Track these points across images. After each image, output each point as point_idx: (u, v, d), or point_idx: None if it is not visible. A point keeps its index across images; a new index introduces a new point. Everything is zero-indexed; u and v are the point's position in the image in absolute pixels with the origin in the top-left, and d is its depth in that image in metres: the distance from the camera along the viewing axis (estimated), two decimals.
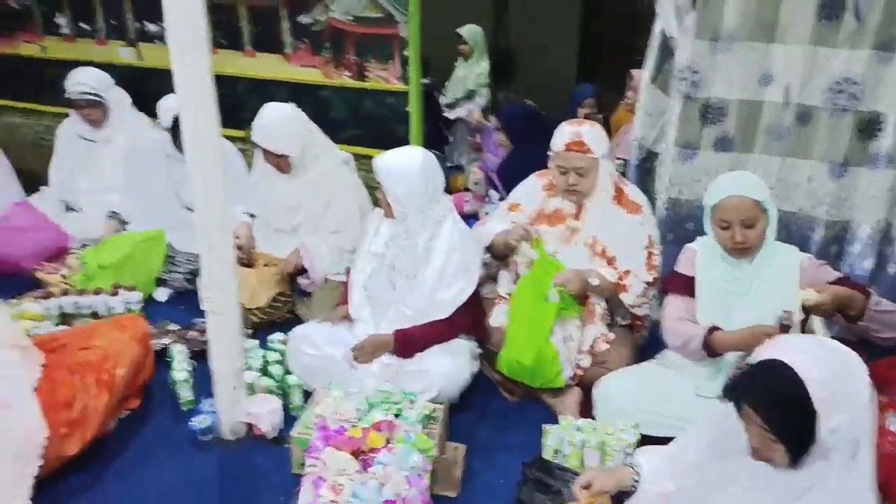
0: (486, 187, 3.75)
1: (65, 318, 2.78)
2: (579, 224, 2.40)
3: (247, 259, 2.89)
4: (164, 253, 3.10)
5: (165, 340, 2.63)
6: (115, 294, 2.81)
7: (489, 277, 2.57)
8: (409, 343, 2.30)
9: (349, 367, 2.32)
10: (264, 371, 2.41)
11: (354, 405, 2.05)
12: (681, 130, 2.63)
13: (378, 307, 2.39)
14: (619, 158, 3.28)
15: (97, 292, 2.81)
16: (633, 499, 1.68)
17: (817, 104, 2.44)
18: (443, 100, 5.07)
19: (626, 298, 2.34)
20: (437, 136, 4.78)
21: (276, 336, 2.57)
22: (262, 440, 2.20)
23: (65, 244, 3.29)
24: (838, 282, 1.91)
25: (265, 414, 2.19)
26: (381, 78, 3.25)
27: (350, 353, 2.32)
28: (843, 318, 1.86)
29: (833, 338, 1.57)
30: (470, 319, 2.38)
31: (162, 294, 3.11)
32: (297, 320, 2.81)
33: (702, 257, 2.09)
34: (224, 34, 3.43)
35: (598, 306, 2.37)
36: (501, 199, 3.52)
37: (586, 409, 2.25)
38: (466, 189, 3.97)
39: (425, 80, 3.69)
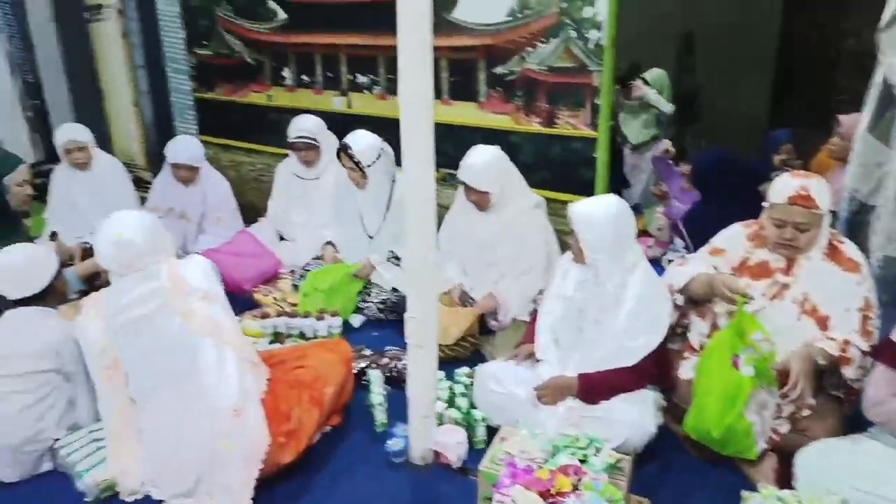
0: (669, 234, 3.67)
1: (277, 337, 3.13)
2: (789, 280, 2.25)
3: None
4: (362, 285, 3.39)
5: (361, 364, 2.86)
6: (320, 318, 3.11)
7: (678, 329, 2.52)
8: (593, 388, 2.31)
9: (533, 407, 2.37)
10: (451, 403, 2.53)
11: (540, 446, 2.10)
12: None
13: (564, 350, 2.44)
14: None
15: (305, 315, 3.13)
16: None
17: None
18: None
19: (848, 372, 2.13)
20: (618, 179, 4.76)
21: (462, 370, 2.70)
22: (448, 468, 2.31)
23: (278, 269, 3.71)
24: None
25: (452, 444, 2.30)
26: (570, 124, 3.33)
27: (534, 392, 2.38)
28: None
29: None
30: (656, 370, 2.35)
31: (357, 320, 3.38)
32: (480, 356, 2.94)
33: None
34: None
35: None
36: (686, 247, 3.44)
37: (783, 477, 2.11)
38: (646, 233, 3.92)
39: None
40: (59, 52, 5.33)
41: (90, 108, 5.27)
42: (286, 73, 4.28)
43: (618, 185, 4.76)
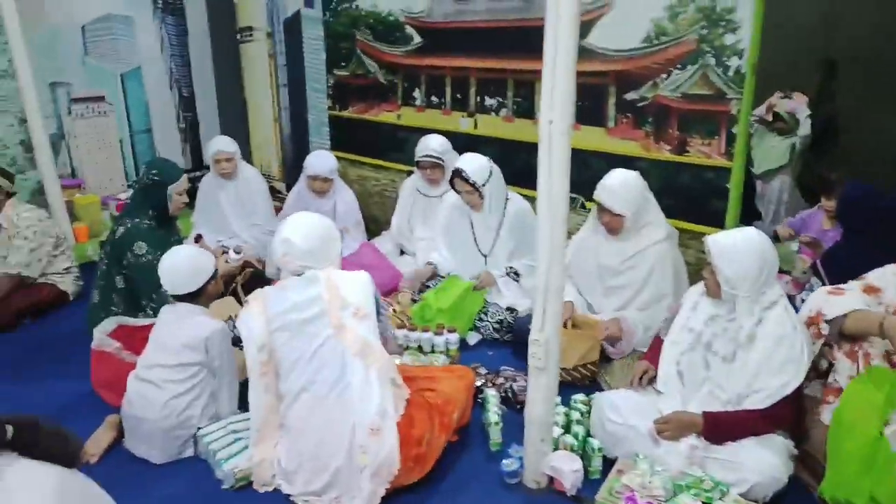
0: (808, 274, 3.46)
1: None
2: None
3: None
4: (482, 302, 3.44)
5: (477, 382, 2.90)
6: (439, 333, 3.19)
7: (817, 372, 2.37)
8: (718, 428, 2.23)
9: (652, 441, 2.32)
10: (566, 429, 2.52)
11: (662, 483, 2.05)
12: None
13: (688, 384, 2.37)
14: None
15: (425, 330, 3.22)
16: None
17: None
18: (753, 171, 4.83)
19: None
20: (749, 210, 4.55)
21: (579, 396, 2.67)
22: (561, 495, 2.29)
23: (398, 282, 3.84)
24: None
25: (568, 472, 2.28)
26: (703, 153, 3.24)
27: (653, 426, 2.32)
28: None
29: None
30: (790, 416, 2.22)
31: (472, 338, 3.43)
32: (595, 384, 2.90)
33: None
34: None
35: None
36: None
37: None
38: (781, 270, 3.70)
39: None
40: (212, 69, 5.82)
41: (235, 122, 5.72)
42: (416, 93, 4.45)
43: (749, 217, 4.55)
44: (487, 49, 3.97)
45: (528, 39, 3.68)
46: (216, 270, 2.59)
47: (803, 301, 3.06)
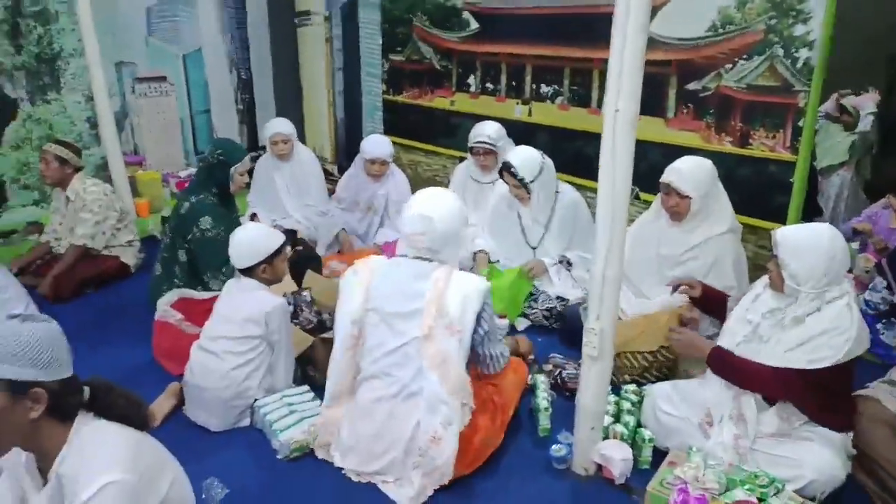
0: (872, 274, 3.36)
1: None
2: None
3: None
4: (530, 289, 3.44)
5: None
6: None
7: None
8: (723, 363, 2.27)
9: (702, 434, 2.30)
10: (617, 418, 2.51)
11: (715, 476, 2.03)
12: None
13: None
14: None
15: None
16: None
17: None
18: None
19: None
20: (811, 206, 4.44)
21: (630, 387, 2.66)
22: (610, 483, 2.29)
23: None
24: None
25: (619, 460, 2.28)
26: (767, 146, 3.17)
27: (705, 419, 2.30)
28: None
29: None
30: (800, 393, 2.15)
31: (522, 324, 3.44)
32: (671, 372, 2.85)
33: None
34: None
35: None
36: (888, 287, 3.12)
37: None
38: None
39: None
40: (270, 52, 5.91)
41: (291, 105, 5.81)
42: (471, 80, 4.45)
43: (810, 214, 4.43)
44: (544, 36, 3.94)
45: (586, 27, 3.65)
46: (277, 255, 2.63)
47: (865, 301, 3.00)
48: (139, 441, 1.48)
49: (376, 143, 4.10)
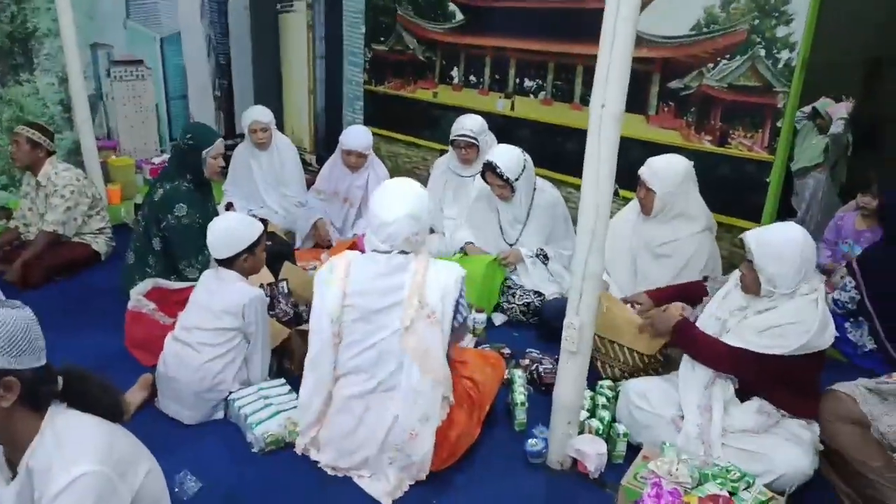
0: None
1: None
2: None
3: None
4: (503, 278, 3.44)
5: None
6: None
7: None
8: (683, 335, 2.37)
9: (674, 429, 2.32)
10: (592, 413, 2.53)
11: (688, 471, 2.06)
12: None
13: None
14: None
15: None
16: None
17: None
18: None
19: None
20: (784, 206, 4.50)
21: (605, 382, 2.68)
22: (584, 477, 2.31)
23: None
24: None
25: (594, 455, 2.29)
26: (745, 145, 3.20)
27: (676, 415, 2.34)
28: None
29: None
30: (752, 375, 2.23)
31: (498, 319, 3.44)
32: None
33: None
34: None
35: None
36: (856, 287, 3.18)
37: None
38: None
39: None
40: (250, 38, 5.82)
41: (270, 92, 5.74)
42: (454, 72, 4.43)
43: (784, 214, 4.50)
44: (530, 31, 3.94)
45: (572, 23, 3.65)
46: (257, 245, 2.59)
47: (834, 300, 3.06)
48: (113, 432, 1.45)
49: (354, 135, 4.06)
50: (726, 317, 2.34)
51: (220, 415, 2.54)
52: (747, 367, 2.22)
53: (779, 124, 3.06)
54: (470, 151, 3.90)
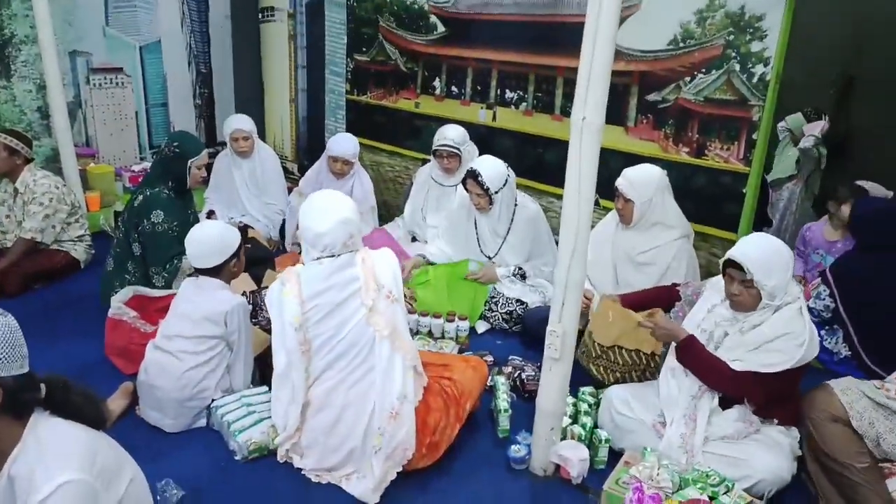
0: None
1: None
2: None
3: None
4: (487, 290, 3.47)
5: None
6: (450, 321, 3.22)
7: None
8: (690, 351, 2.35)
9: (656, 435, 2.36)
10: (574, 419, 2.56)
11: (669, 475, 2.09)
12: None
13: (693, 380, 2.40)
14: None
15: (436, 316, 3.25)
16: None
17: None
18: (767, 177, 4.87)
19: None
20: (760, 216, 4.59)
21: (588, 388, 2.71)
22: (567, 483, 2.33)
23: None
24: None
25: (576, 461, 2.32)
26: (721, 157, 3.27)
27: (658, 420, 2.38)
28: None
29: None
30: (756, 397, 2.27)
31: (481, 327, 3.47)
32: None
33: None
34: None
35: None
36: (831, 295, 3.26)
37: None
38: None
39: None
40: (231, 46, 5.81)
41: (251, 101, 5.72)
42: (436, 82, 4.47)
43: (759, 224, 4.59)
44: (511, 42, 3.99)
45: (553, 35, 3.70)
46: (241, 248, 2.60)
47: (809, 308, 3.12)
48: (96, 440, 1.44)
49: (341, 142, 4.08)
50: (713, 328, 2.38)
51: (202, 422, 2.53)
52: (752, 389, 2.25)
53: (754, 136, 3.13)
54: (452, 161, 3.93)
